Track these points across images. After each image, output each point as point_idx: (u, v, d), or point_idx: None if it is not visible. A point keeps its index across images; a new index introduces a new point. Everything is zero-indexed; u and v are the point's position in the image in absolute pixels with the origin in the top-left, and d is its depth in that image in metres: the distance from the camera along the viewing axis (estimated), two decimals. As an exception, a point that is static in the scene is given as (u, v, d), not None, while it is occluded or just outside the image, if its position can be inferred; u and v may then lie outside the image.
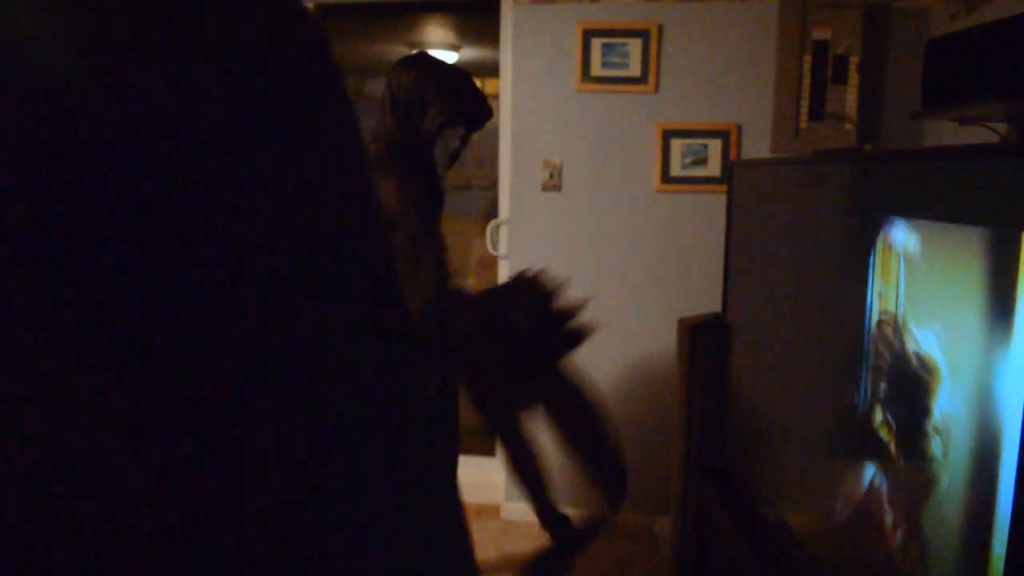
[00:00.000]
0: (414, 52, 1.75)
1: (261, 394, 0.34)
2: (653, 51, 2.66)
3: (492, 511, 2.97)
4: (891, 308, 1.17)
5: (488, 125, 1.81)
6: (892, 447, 1.17)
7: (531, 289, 1.55)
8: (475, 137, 1.80)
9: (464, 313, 1.50)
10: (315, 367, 0.36)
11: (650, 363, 2.79)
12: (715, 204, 2.61)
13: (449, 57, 3.80)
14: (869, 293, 1.24)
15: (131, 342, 0.33)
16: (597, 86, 2.71)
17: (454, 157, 1.74)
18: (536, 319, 1.55)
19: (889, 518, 1.18)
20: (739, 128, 2.66)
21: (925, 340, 1.07)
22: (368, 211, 0.40)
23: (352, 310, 0.38)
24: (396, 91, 1.64)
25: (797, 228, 1.58)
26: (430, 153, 1.66)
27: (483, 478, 3.08)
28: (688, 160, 2.69)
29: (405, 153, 1.63)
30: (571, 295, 1.54)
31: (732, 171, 2.07)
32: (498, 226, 2.94)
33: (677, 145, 2.69)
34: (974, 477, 0.95)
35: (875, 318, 1.22)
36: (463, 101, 1.65)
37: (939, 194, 1.06)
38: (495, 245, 2.96)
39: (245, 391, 0.34)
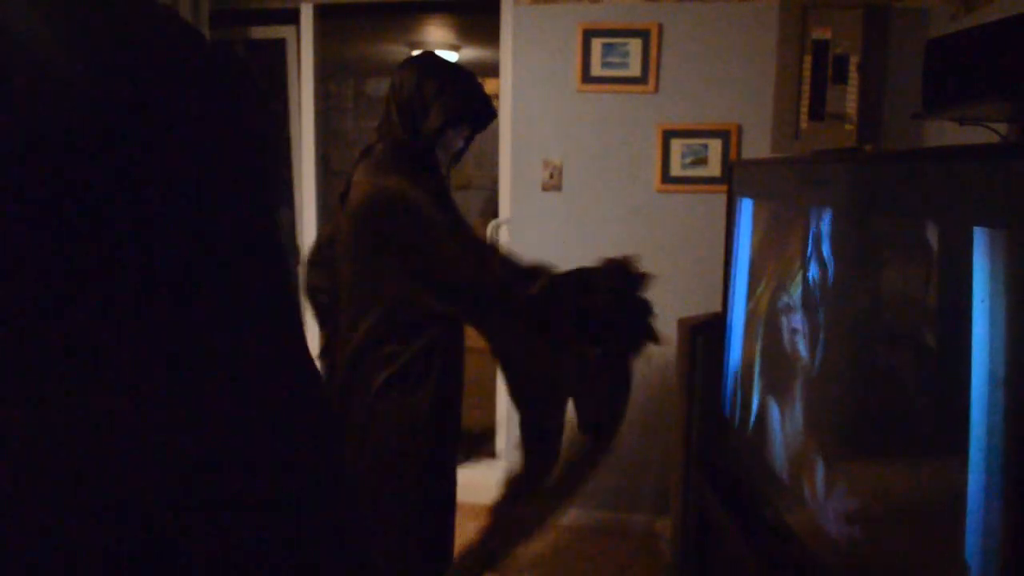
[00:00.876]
0: (420, 52, 1.74)
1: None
2: (653, 51, 2.66)
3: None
4: (894, 306, 1.18)
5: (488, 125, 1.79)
6: (893, 446, 1.17)
7: (620, 273, 1.59)
8: (477, 137, 1.78)
9: (547, 282, 1.53)
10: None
11: (650, 363, 2.79)
12: (715, 204, 2.61)
13: (449, 57, 3.80)
14: (870, 292, 1.24)
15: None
16: (597, 86, 2.71)
17: (457, 157, 1.73)
18: (621, 304, 1.59)
19: (889, 517, 1.18)
20: (739, 128, 2.66)
21: (932, 336, 1.07)
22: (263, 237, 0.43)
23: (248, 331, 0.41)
24: (399, 91, 1.64)
25: (797, 228, 1.58)
26: (432, 153, 1.65)
27: (483, 478, 3.08)
28: (688, 160, 2.69)
29: (409, 153, 1.63)
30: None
31: (732, 171, 2.07)
32: (498, 226, 2.94)
33: (677, 145, 2.69)
34: (983, 477, 0.95)
35: (876, 316, 1.22)
36: (465, 101, 1.64)
37: (939, 194, 1.06)
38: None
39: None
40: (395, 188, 1.54)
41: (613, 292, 1.57)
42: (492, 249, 1.54)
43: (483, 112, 1.69)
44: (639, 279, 1.59)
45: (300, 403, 0.45)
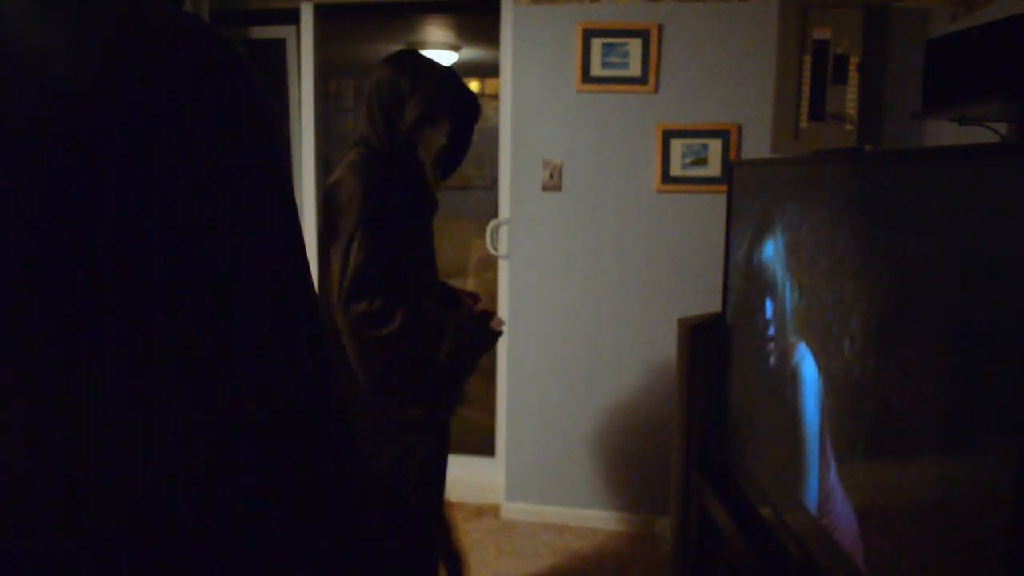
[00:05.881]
0: (396, 50, 1.70)
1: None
2: (653, 51, 2.66)
3: (492, 511, 2.97)
4: (894, 306, 1.17)
5: (488, 125, 1.76)
6: (891, 445, 1.17)
7: (470, 322, 1.71)
8: (477, 138, 1.74)
9: (398, 328, 1.55)
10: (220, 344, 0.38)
11: (650, 363, 2.79)
12: (715, 204, 2.61)
13: (449, 57, 3.79)
14: (870, 292, 1.24)
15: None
16: (597, 86, 2.71)
17: (443, 155, 1.65)
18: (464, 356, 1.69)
19: (888, 517, 1.18)
20: (739, 128, 2.66)
21: (933, 335, 1.07)
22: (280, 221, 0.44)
23: (256, 307, 0.41)
24: (376, 90, 1.61)
25: (797, 228, 1.58)
26: (412, 152, 1.62)
27: (483, 478, 3.08)
28: (688, 160, 2.69)
29: (387, 153, 1.61)
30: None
31: (732, 171, 2.06)
32: (498, 226, 2.94)
33: (677, 145, 2.69)
34: (984, 475, 0.95)
35: (876, 316, 1.22)
36: (440, 95, 1.60)
37: (938, 194, 1.06)
38: (495, 245, 2.96)
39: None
40: (339, 183, 1.56)
41: (459, 343, 1.63)
42: (380, 277, 1.53)
43: (461, 104, 1.64)
44: (486, 323, 1.70)
45: (318, 401, 0.45)
